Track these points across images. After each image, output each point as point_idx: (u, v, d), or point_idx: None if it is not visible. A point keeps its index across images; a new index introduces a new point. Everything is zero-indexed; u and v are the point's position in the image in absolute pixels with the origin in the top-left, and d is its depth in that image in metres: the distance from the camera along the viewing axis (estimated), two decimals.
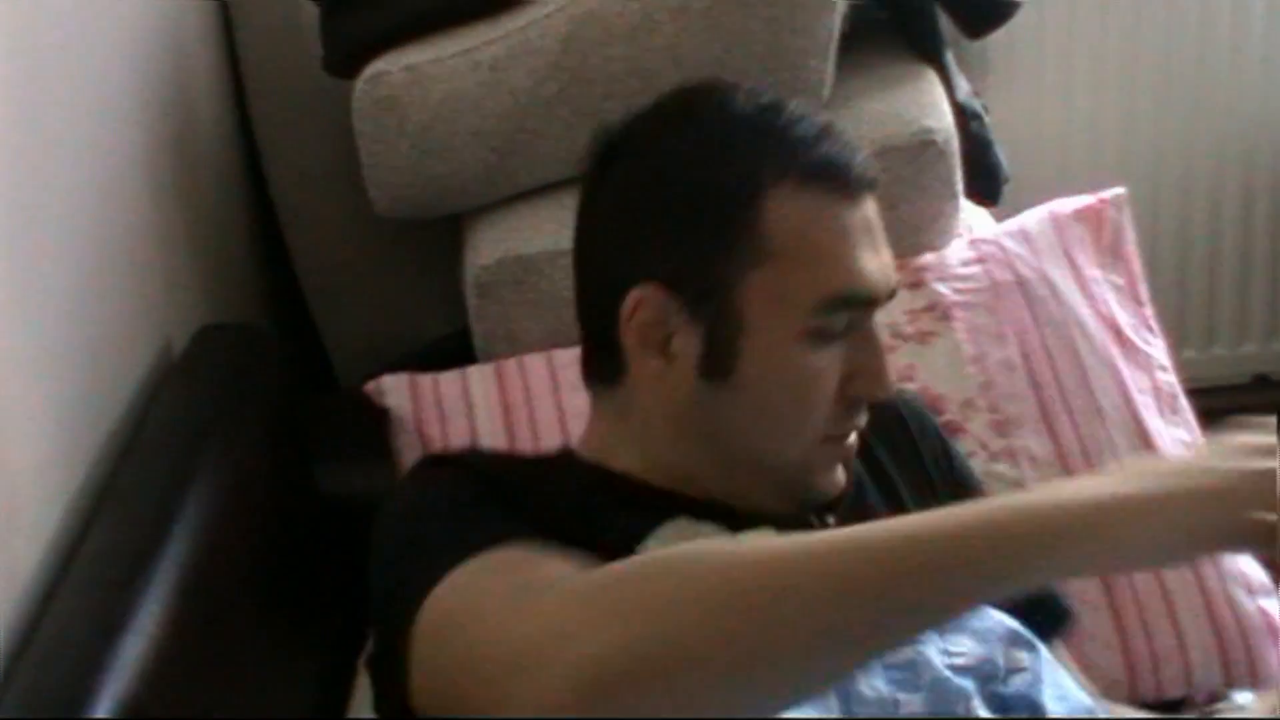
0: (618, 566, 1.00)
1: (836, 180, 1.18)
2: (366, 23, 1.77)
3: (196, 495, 1.29)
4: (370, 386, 1.66)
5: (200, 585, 1.21)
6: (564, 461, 1.29)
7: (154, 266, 1.61)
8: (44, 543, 1.21)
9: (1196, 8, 2.44)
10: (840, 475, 1.24)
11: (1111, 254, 1.72)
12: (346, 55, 1.79)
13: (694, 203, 1.19)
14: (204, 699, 1.17)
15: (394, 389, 1.65)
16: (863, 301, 1.19)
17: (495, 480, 1.20)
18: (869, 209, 1.20)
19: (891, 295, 1.22)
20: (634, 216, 1.22)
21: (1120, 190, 1.75)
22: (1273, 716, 1.31)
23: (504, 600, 1.01)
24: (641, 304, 1.19)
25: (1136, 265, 1.74)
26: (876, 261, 1.19)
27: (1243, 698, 1.48)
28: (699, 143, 1.20)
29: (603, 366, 1.25)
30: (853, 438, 1.24)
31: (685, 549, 1.04)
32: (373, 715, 1.21)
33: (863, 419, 1.23)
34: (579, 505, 1.19)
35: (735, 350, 1.18)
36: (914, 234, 1.71)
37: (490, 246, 1.72)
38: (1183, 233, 2.58)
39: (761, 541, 1.09)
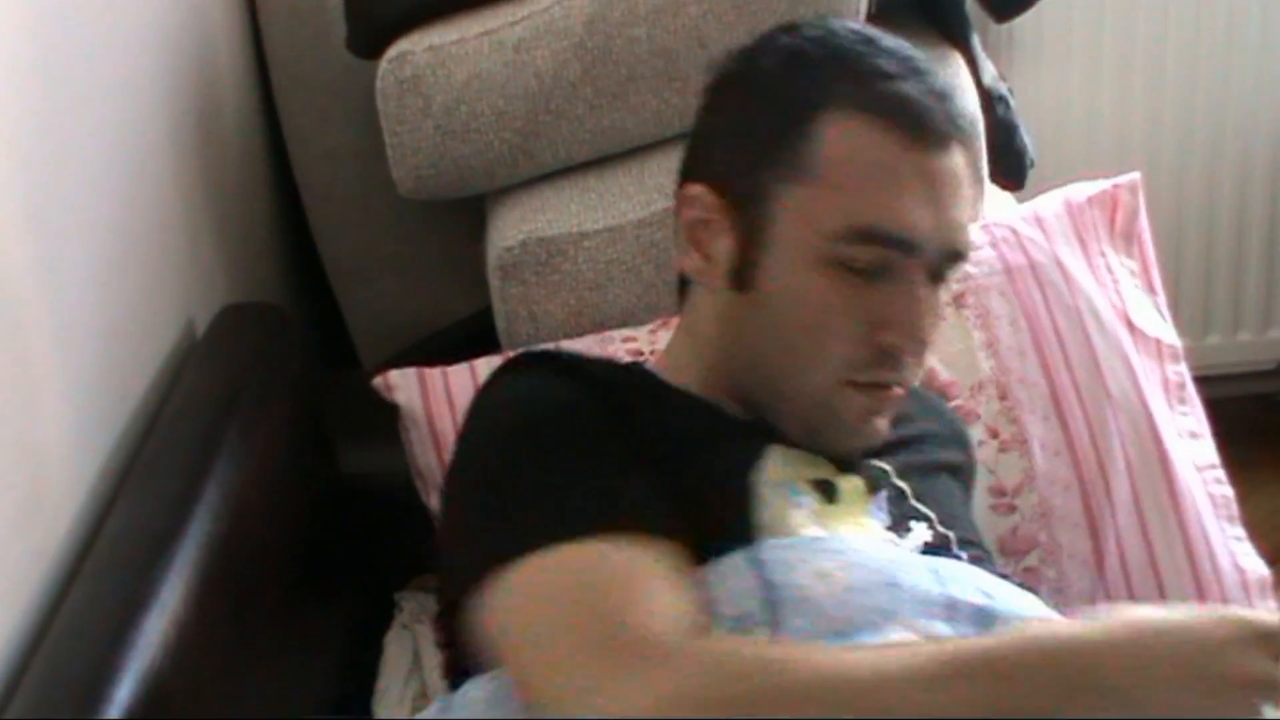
0: (733, 658, 1.00)
1: (903, 120, 1.16)
2: (390, 3, 1.77)
3: (219, 474, 1.29)
4: (378, 380, 1.63)
5: (223, 563, 1.21)
6: (641, 377, 1.29)
7: (177, 247, 1.61)
8: (69, 520, 1.22)
9: None
10: (876, 428, 1.22)
11: (1125, 239, 1.71)
12: (370, 36, 1.79)
13: (758, 111, 1.21)
14: (227, 675, 1.18)
15: (402, 383, 1.62)
16: (895, 242, 1.16)
17: (613, 397, 1.18)
18: (942, 160, 1.17)
19: (953, 258, 1.19)
20: (709, 118, 1.26)
21: (1135, 175, 1.73)
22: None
23: (604, 642, 1.00)
24: (691, 200, 1.23)
25: (1150, 251, 1.73)
26: (930, 212, 1.16)
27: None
28: (781, 58, 1.21)
29: (679, 275, 1.29)
30: (894, 392, 1.21)
31: (795, 661, 1.00)
32: (402, 686, 1.21)
33: (898, 375, 1.21)
34: (676, 427, 1.20)
35: (759, 262, 1.19)
36: None
37: (513, 228, 1.71)
38: (1209, 217, 2.57)
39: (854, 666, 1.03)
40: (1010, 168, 1.99)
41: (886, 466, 1.26)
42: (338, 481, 1.59)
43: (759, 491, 1.17)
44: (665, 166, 1.58)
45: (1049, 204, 1.73)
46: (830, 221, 1.16)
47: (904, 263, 1.17)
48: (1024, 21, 2.20)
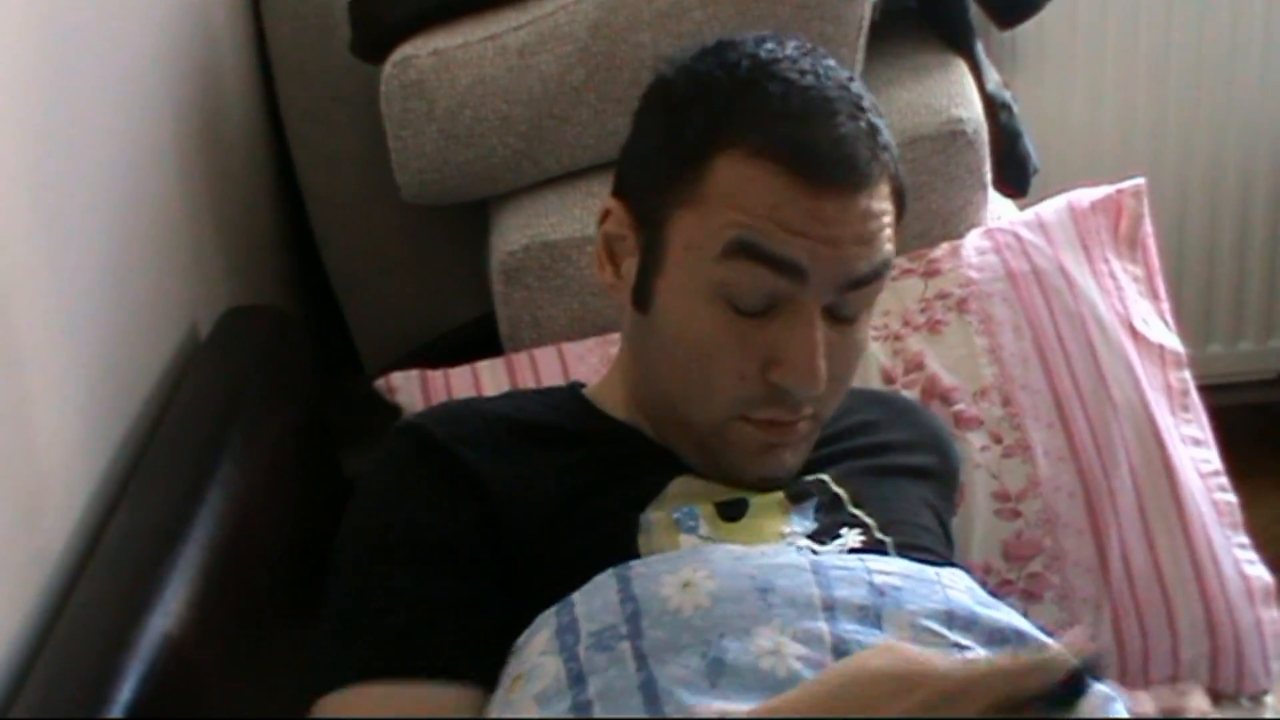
0: None
1: (796, 167, 1.14)
2: (394, 7, 1.77)
3: (222, 477, 1.29)
4: (380, 382, 1.64)
5: (225, 567, 1.21)
6: (568, 398, 1.33)
7: (181, 249, 1.61)
8: (71, 523, 1.22)
9: (1228, 1, 2.43)
10: (779, 461, 1.22)
11: (1129, 245, 1.71)
12: (374, 40, 1.79)
13: (663, 134, 1.21)
14: (229, 678, 1.18)
15: (404, 385, 1.63)
16: (778, 263, 1.15)
17: (451, 454, 1.21)
18: (837, 204, 1.15)
19: (856, 284, 1.17)
20: (631, 134, 1.28)
21: (1139, 181, 1.73)
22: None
23: None
24: (608, 215, 1.25)
25: (1154, 258, 1.73)
26: (823, 247, 1.15)
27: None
28: (693, 83, 1.21)
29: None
30: (796, 427, 1.21)
31: None
32: None
33: (795, 414, 1.20)
34: (583, 456, 1.23)
35: (655, 286, 1.20)
36: (942, 224, 1.71)
37: (517, 232, 1.71)
38: (1211, 226, 2.57)
39: None
40: (1013, 175, 1.98)
41: (824, 477, 1.26)
42: (341, 485, 1.59)
43: (646, 527, 1.18)
44: None
45: (1052, 209, 1.73)
46: (714, 242, 1.15)
47: (795, 296, 1.16)
48: (1027, 29, 2.20)
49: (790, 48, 1.21)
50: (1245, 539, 1.63)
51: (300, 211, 2.00)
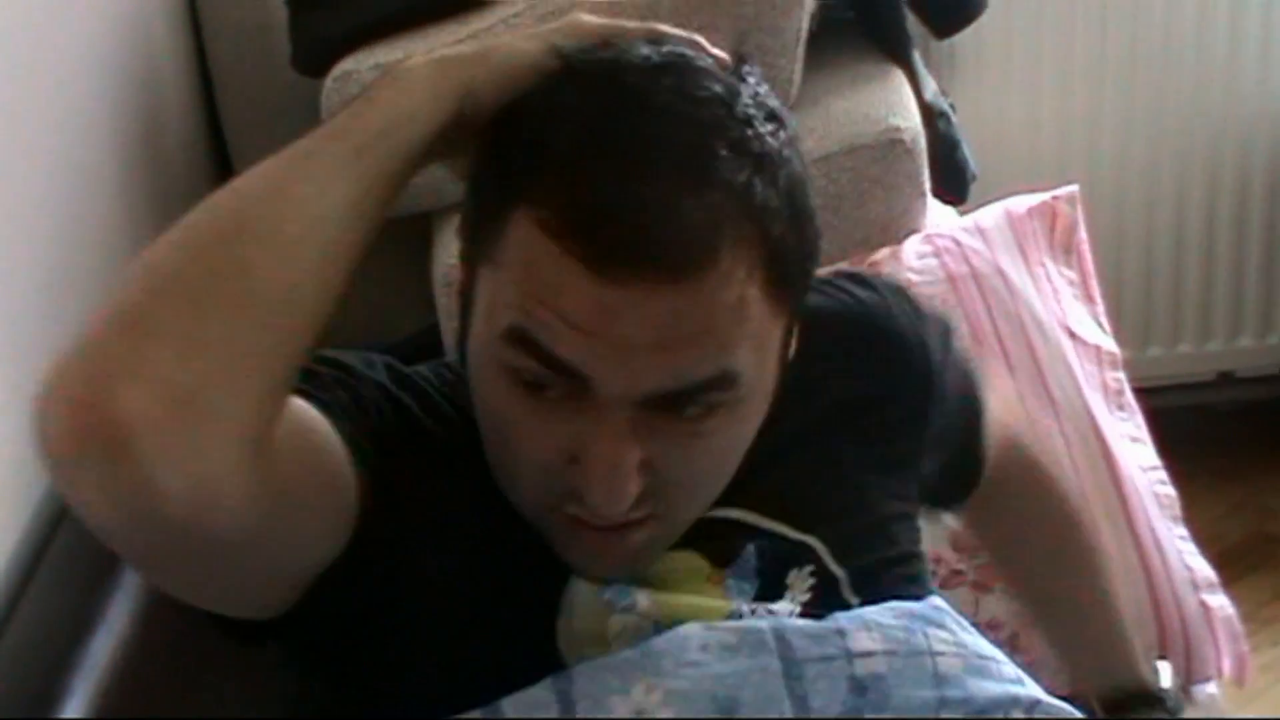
0: None
1: (578, 238, 0.87)
2: (335, 21, 1.77)
3: None
4: None
5: None
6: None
7: (123, 265, 1.60)
8: (13, 542, 1.21)
9: (1161, 7, 2.45)
10: (608, 566, 0.98)
11: (1064, 250, 1.74)
12: (315, 54, 1.79)
13: (483, 178, 0.96)
14: (175, 698, 1.17)
15: None
16: (557, 365, 0.89)
17: (410, 417, 1.02)
18: (628, 295, 0.86)
19: (664, 402, 0.90)
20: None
21: (1074, 188, 1.76)
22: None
23: None
24: (456, 271, 1.03)
25: (1089, 262, 1.75)
26: (607, 350, 0.88)
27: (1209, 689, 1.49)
28: (518, 120, 0.93)
29: None
30: (631, 537, 0.95)
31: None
32: None
33: (611, 520, 0.93)
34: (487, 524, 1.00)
35: (467, 348, 0.98)
36: (881, 231, 1.72)
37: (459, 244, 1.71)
38: (1147, 230, 2.60)
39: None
40: (952, 182, 2.00)
41: (742, 516, 1.03)
42: None
43: (570, 599, 0.98)
44: None
45: (990, 215, 1.75)
46: (498, 319, 0.91)
47: (588, 393, 0.90)
48: (964, 37, 2.22)
49: (676, 65, 0.93)
50: (1185, 532, 1.65)
51: None
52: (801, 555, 1.04)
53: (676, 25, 1.67)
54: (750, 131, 0.91)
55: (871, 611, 1.01)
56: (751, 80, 0.95)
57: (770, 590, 1.02)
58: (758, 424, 0.98)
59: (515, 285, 0.90)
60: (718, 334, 0.89)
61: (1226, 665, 1.64)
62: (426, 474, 1.00)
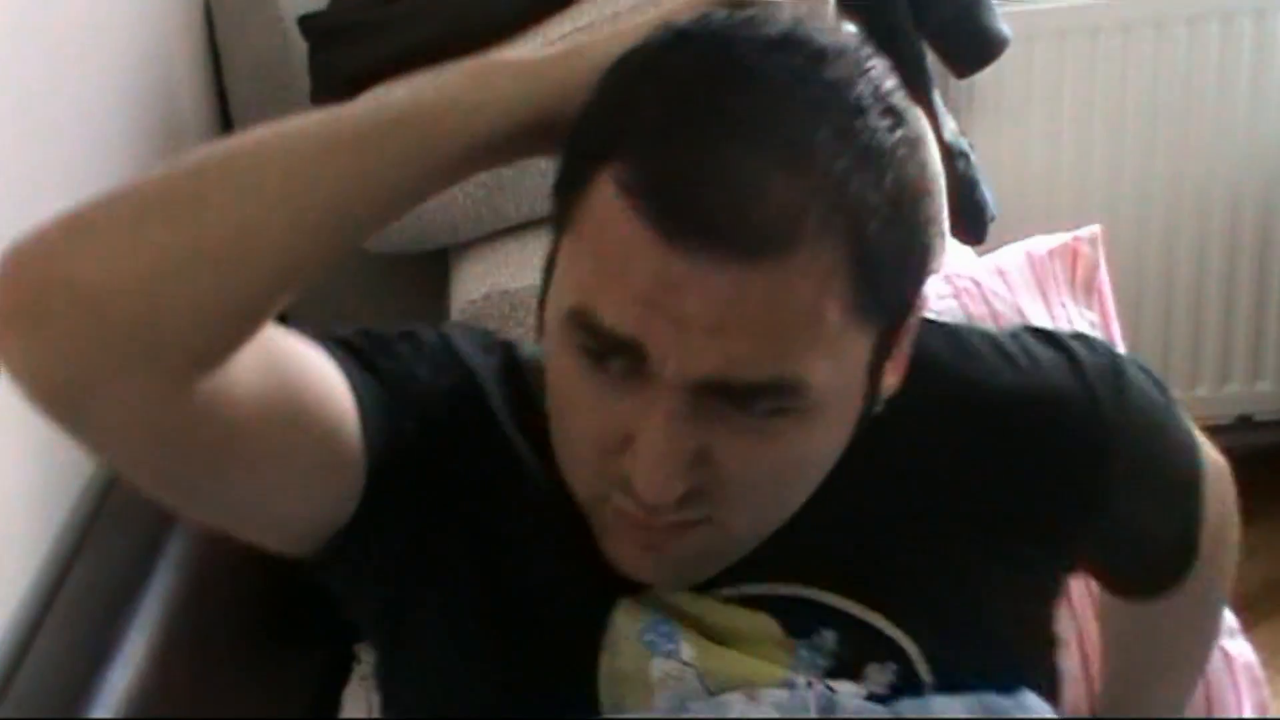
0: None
1: (654, 203, 0.81)
2: (355, 56, 1.77)
3: (182, 526, 1.28)
4: None
5: (187, 615, 1.20)
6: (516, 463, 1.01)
7: None
8: (32, 570, 1.21)
9: (1184, 49, 2.46)
10: (645, 568, 0.92)
11: (1085, 292, 1.73)
12: (335, 89, 1.79)
13: (575, 125, 0.89)
14: (199, 700, 1.17)
15: None
16: (605, 336, 0.84)
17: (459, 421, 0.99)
18: (696, 267, 0.80)
19: (718, 389, 0.84)
20: None
21: (1095, 228, 1.75)
22: None
23: None
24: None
25: (1110, 304, 1.75)
26: (664, 324, 0.82)
27: None
28: (616, 77, 0.88)
29: None
30: (683, 538, 0.89)
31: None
32: None
33: (653, 516, 0.88)
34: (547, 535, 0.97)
35: (545, 314, 0.92)
36: None
37: (476, 281, 1.71)
38: (1167, 273, 2.60)
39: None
40: (971, 222, 2.00)
41: (836, 602, 0.95)
42: None
43: (613, 635, 0.94)
44: None
45: (1010, 256, 1.74)
46: (566, 295, 0.87)
47: (647, 372, 0.84)
48: (984, 77, 2.22)
49: (794, 42, 0.84)
50: None
51: None
52: (890, 653, 0.96)
53: None
54: (860, 122, 0.83)
55: (941, 703, 0.93)
56: (875, 73, 0.86)
57: (842, 673, 0.95)
58: (833, 450, 0.91)
59: (589, 256, 0.85)
60: (781, 333, 0.82)
61: (1248, 711, 1.62)
62: (472, 491, 0.97)
